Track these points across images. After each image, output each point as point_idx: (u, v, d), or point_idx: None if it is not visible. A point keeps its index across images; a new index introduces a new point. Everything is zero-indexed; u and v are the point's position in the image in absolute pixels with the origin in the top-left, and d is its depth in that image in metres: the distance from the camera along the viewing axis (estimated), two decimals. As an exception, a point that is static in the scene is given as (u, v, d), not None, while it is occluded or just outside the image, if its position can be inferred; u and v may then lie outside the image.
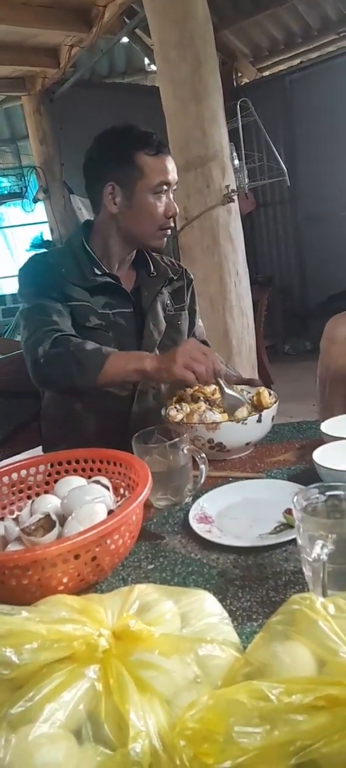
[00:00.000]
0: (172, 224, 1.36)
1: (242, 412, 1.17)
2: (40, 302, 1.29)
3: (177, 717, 0.45)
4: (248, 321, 3.51)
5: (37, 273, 1.38)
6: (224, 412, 1.18)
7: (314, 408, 3.88)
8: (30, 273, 1.39)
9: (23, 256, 7.34)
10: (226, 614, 0.63)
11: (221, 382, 1.18)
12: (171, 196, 1.33)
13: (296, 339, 5.92)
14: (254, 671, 0.50)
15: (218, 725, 0.37)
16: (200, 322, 1.62)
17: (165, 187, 1.31)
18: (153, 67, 5.61)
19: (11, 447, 2.04)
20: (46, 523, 0.75)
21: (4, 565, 0.69)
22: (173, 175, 1.33)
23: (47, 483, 0.99)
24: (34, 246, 5.97)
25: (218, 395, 1.23)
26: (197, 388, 1.23)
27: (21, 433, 2.10)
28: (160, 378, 1.19)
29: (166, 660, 0.51)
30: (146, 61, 5.70)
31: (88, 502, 0.76)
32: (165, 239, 1.38)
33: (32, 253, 5.95)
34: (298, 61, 5.70)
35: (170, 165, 1.32)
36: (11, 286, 7.77)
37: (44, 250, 5.50)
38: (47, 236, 5.72)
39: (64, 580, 0.72)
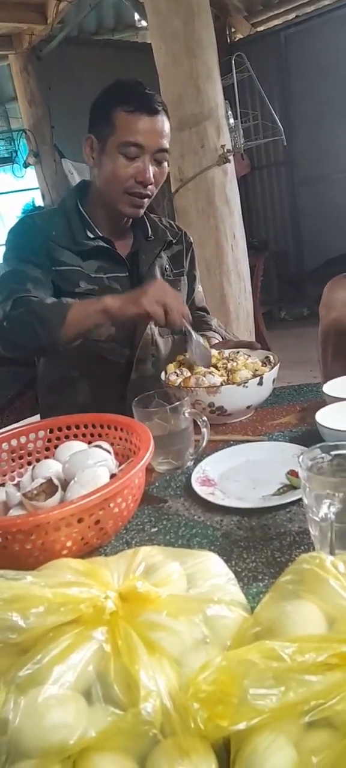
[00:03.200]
0: (143, 191, 1.26)
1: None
2: (18, 268, 1.25)
3: (188, 678, 0.44)
4: (246, 285, 3.47)
5: (22, 236, 1.33)
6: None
7: (312, 374, 3.89)
8: (15, 236, 1.35)
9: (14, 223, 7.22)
10: (232, 575, 0.63)
11: (189, 327, 1.15)
12: (147, 161, 1.23)
13: (292, 305, 5.88)
14: (263, 631, 0.50)
15: (232, 687, 0.36)
16: (199, 288, 1.59)
17: (135, 149, 1.21)
18: (144, 23, 5.43)
19: (8, 415, 2.04)
20: (48, 488, 0.75)
21: (7, 530, 0.68)
22: (150, 139, 1.22)
23: (47, 449, 0.98)
24: (25, 212, 5.86)
25: (217, 359, 1.22)
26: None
27: (17, 402, 2.09)
28: (126, 313, 1.11)
29: (175, 621, 0.50)
30: (136, 16, 5.50)
31: (91, 466, 0.75)
32: (137, 209, 1.29)
33: (24, 219, 5.77)
34: (293, 15, 5.53)
35: (150, 127, 1.21)
36: (1, 256, 7.66)
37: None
38: (39, 202, 5.61)
39: (68, 543, 0.72)
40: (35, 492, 0.73)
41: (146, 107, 1.21)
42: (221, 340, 1.48)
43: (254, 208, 6.30)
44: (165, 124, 1.25)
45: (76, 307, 1.15)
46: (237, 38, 5.88)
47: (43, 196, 5.31)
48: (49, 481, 0.74)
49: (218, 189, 2.97)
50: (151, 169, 1.24)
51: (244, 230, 3.34)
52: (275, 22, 5.70)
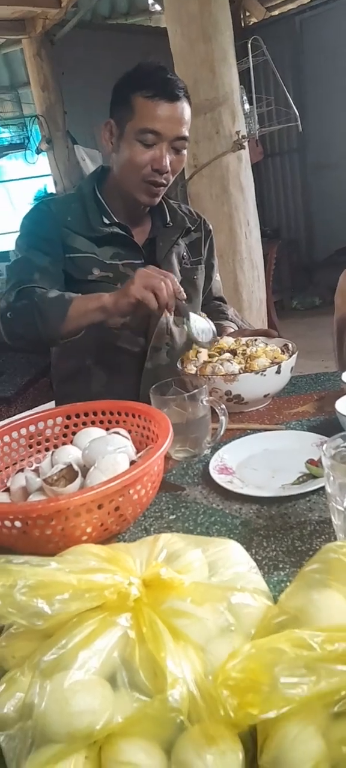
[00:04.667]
0: (159, 179, 1.23)
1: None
2: (27, 256, 1.24)
3: (214, 665, 0.44)
4: (259, 274, 3.44)
5: (35, 222, 1.32)
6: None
7: (324, 363, 3.85)
8: (29, 223, 1.34)
9: (26, 210, 7.21)
10: (253, 563, 0.62)
11: (184, 304, 1.13)
12: (164, 149, 1.20)
13: (303, 294, 5.83)
14: (289, 620, 0.49)
15: (262, 675, 0.36)
16: (217, 277, 1.57)
17: (152, 136, 1.19)
18: (157, 7, 5.37)
19: (22, 402, 2.05)
20: (68, 474, 0.74)
21: (28, 515, 0.68)
22: (169, 126, 1.19)
23: (65, 435, 0.98)
24: (37, 200, 5.85)
25: (236, 346, 1.21)
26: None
27: (31, 389, 2.10)
28: (120, 307, 1.09)
29: (199, 608, 0.50)
30: (150, 0, 5.44)
31: (111, 452, 0.75)
32: (153, 197, 1.27)
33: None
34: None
35: (170, 114, 1.19)
36: (14, 242, 7.66)
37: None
38: (51, 189, 5.60)
39: (88, 530, 0.71)
40: (55, 478, 0.73)
41: (166, 93, 1.18)
42: (236, 328, 1.47)
43: (266, 196, 6.24)
44: (185, 111, 1.22)
45: (76, 302, 1.14)
46: (251, 22, 5.80)
47: (55, 183, 5.29)
48: (69, 467, 0.74)
49: (232, 176, 2.94)
50: (169, 157, 1.22)
51: (258, 218, 3.31)
52: (290, 6, 5.60)
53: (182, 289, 1.09)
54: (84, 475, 0.75)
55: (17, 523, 0.70)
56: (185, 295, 1.12)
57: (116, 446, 0.77)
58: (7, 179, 7.87)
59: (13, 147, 6.31)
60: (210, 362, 1.17)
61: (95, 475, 0.72)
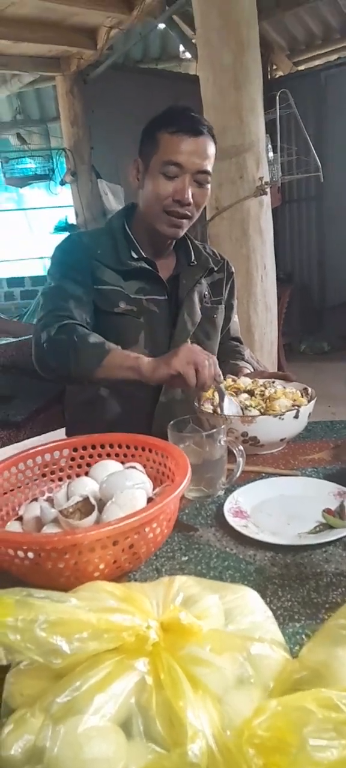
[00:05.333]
0: (181, 210, 1.25)
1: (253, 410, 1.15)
2: (62, 284, 1.27)
3: (234, 718, 0.43)
4: (272, 317, 3.46)
5: (68, 252, 1.35)
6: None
7: (330, 409, 3.83)
8: (61, 252, 1.36)
9: (46, 239, 7.39)
10: (270, 613, 0.61)
11: (222, 387, 1.15)
12: (186, 181, 1.23)
13: (312, 338, 5.83)
14: (310, 676, 0.48)
15: (289, 735, 0.35)
16: (235, 318, 1.58)
17: (175, 168, 1.22)
18: (188, 55, 5.54)
19: (32, 428, 2.04)
20: (84, 507, 0.74)
21: (42, 546, 0.67)
22: (191, 159, 1.21)
23: (79, 466, 0.97)
24: (58, 229, 5.97)
25: (254, 387, 1.20)
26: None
27: (42, 414, 2.10)
28: (157, 375, 1.10)
29: (218, 657, 0.48)
30: (181, 48, 5.62)
31: (129, 487, 0.74)
32: (176, 228, 1.29)
33: (57, 236, 5.93)
34: (335, 56, 5.58)
35: (192, 148, 1.21)
36: (31, 269, 7.80)
37: (67, 233, 5.53)
38: (72, 219, 5.71)
39: (101, 566, 0.70)
40: (71, 510, 0.72)
41: (189, 128, 1.22)
42: (252, 370, 1.47)
43: (281, 240, 6.30)
44: (208, 146, 1.25)
45: (114, 354, 1.15)
46: (278, 75, 5.95)
47: (77, 214, 5.40)
48: (86, 499, 0.74)
49: (252, 219, 2.97)
50: (191, 190, 1.24)
51: (274, 262, 3.34)
52: (317, 62, 5.75)
53: (221, 372, 1.11)
54: (100, 509, 0.74)
55: (30, 554, 0.69)
56: (223, 379, 1.14)
57: (135, 481, 0.76)
58: (28, 207, 8.06)
59: (38, 177, 6.48)
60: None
61: (113, 510, 0.71)
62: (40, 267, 8.10)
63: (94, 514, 0.72)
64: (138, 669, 0.46)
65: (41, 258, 8.06)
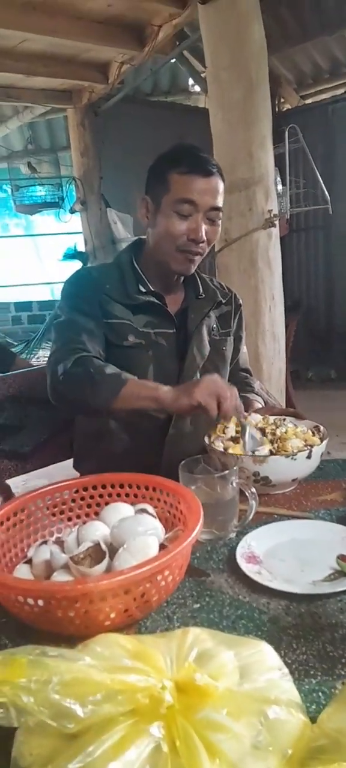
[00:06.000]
0: (195, 248, 1.27)
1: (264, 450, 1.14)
2: (73, 318, 1.28)
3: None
4: (280, 347, 3.46)
5: (77, 286, 1.37)
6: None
7: (339, 439, 3.79)
8: (71, 286, 1.38)
9: (54, 265, 7.47)
10: (286, 669, 0.59)
11: (243, 421, 1.14)
12: (199, 219, 1.24)
13: (319, 366, 5.81)
14: (330, 744, 0.46)
15: None
16: (244, 349, 1.58)
17: (189, 206, 1.23)
18: (197, 88, 5.65)
19: (39, 458, 2.03)
20: (95, 553, 0.72)
21: (53, 595, 0.66)
22: (203, 198, 1.23)
23: (89, 506, 0.96)
24: (67, 256, 6.02)
25: (264, 424, 1.19)
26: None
27: (49, 445, 2.08)
28: (178, 405, 1.11)
29: (235, 722, 0.47)
30: (190, 82, 5.74)
31: (141, 534, 0.73)
32: (189, 265, 1.30)
33: (66, 263, 5.94)
34: (342, 90, 5.67)
35: (204, 187, 1.23)
36: (39, 294, 7.89)
37: (76, 260, 5.58)
38: (81, 247, 5.77)
39: (112, 615, 0.69)
40: (82, 556, 0.71)
41: (201, 169, 1.23)
42: (263, 403, 1.46)
43: (288, 267, 6.32)
44: (219, 184, 1.26)
45: (131, 384, 1.15)
46: (285, 108, 6.04)
47: (86, 242, 5.45)
48: (97, 545, 0.72)
49: (261, 251, 3.00)
50: (204, 228, 1.25)
51: (283, 292, 3.35)
52: (324, 96, 5.84)
53: (242, 404, 1.12)
54: (111, 555, 0.73)
55: (40, 602, 0.68)
56: (245, 411, 1.14)
57: (147, 527, 0.75)
58: (37, 233, 8.17)
59: (48, 205, 6.57)
60: (238, 437, 1.16)
61: (124, 558, 0.70)
62: (47, 292, 8.19)
63: (106, 561, 0.71)
64: (153, 735, 0.44)
65: (49, 283, 8.15)
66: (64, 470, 1.83)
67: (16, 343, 6.94)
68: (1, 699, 0.44)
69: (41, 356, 6.37)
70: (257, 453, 1.10)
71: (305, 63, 5.62)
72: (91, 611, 0.68)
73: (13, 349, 6.64)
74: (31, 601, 0.68)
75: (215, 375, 1.15)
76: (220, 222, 1.31)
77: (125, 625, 0.73)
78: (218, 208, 1.27)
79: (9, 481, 1.80)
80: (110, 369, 1.18)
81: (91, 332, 1.25)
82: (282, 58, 5.44)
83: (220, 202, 1.27)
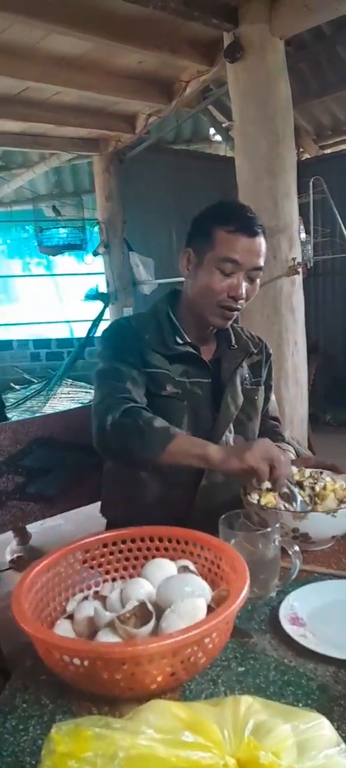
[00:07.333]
0: (234, 305, 1.28)
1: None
2: (116, 366, 1.28)
3: None
4: (302, 391, 3.46)
5: (118, 336, 1.38)
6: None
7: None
8: (112, 335, 1.39)
9: (74, 304, 7.58)
10: (343, 744, 0.57)
11: (294, 489, 1.13)
12: (241, 278, 1.25)
13: (338, 409, 5.74)
14: None
15: None
16: (273, 397, 1.58)
17: (232, 265, 1.24)
18: (218, 138, 5.79)
19: (66, 501, 2.01)
20: (140, 612, 0.71)
21: (101, 656, 0.64)
22: (247, 258, 1.24)
23: (127, 559, 0.95)
24: (88, 297, 6.12)
25: (301, 477, 1.18)
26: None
27: (75, 489, 2.07)
28: (228, 466, 1.10)
29: None
30: (211, 131, 5.89)
31: (189, 595, 0.71)
32: (226, 320, 1.32)
33: (87, 303, 6.00)
34: (361, 142, 5.78)
35: (249, 247, 1.25)
36: (57, 332, 7.99)
37: (98, 301, 5.66)
38: (102, 288, 5.86)
39: (159, 678, 0.67)
40: (127, 615, 0.70)
41: (247, 229, 1.24)
42: (295, 453, 1.45)
43: (306, 310, 6.33)
44: (262, 245, 1.28)
45: (179, 439, 1.15)
46: (304, 157, 6.15)
47: (108, 284, 5.54)
48: (143, 604, 0.71)
49: (284, 298, 3.02)
50: (245, 286, 1.26)
51: (305, 338, 3.36)
52: (342, 147, 5.94)
53: (293, 472, 1.12)
54: (157, 615, 0.71)
55: (86, 662, 0.66)
56: (295, 479, 1.14)
57: (194, 588, 0.73)
58: (59, 273, 8.34)
59: (70, 247, 6.72)
60: (274, 490, 1.14)
61: (172, 620, 0.68)
62: (66, 330, 8.31)
63: (152, 621, 0.69)
64: None
65: (68, 321, 8.27)
66: (89, 516, 1.82)
67: (34, 380, 7.02)
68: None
69: (59, 393, 6.43)
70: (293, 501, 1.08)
71: (324, 115, 5.74)
72: (137, 673, 0.66)
73: (31, 387, 6.72)
74: (77, 661, 0.66)
75: (267, 439, 1.13)
76: (259, 280, 1.32)
77: (170, 688, 0.71)
78: (259, 268, 1.28)
79: (37, 525, 1.79)
80: (159, 422, 1.17)
81: (135, 381, 1.26)
82: (301, 111, 5.57)
83: (262, 262, 1.29)
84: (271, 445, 1.10)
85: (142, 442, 1.15)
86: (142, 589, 0.76)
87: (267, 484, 1.19)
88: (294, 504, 1.11)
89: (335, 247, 4.15)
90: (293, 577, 0.92)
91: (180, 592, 0.72)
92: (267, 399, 1.54)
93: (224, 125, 5.41)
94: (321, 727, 0.59)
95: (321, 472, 1.23)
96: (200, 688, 0.74)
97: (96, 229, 5.61)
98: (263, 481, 1.06)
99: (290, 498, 1.13)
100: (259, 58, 2.79)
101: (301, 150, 6.11)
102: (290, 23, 2.79)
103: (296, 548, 0.92)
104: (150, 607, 0.70)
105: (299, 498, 1.12)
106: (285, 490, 1.12)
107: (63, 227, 6.55)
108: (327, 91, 5.16)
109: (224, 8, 2.72)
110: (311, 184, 3.18)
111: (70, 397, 6.22)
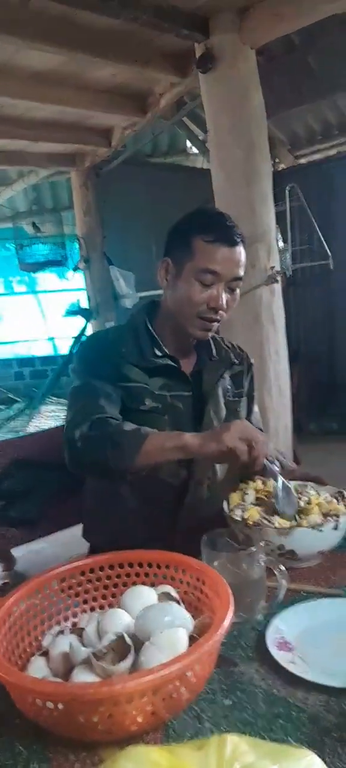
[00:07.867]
0: (215, 317, 1.25)
1: (290, 508, 1.09)
2: (90, 382, 1.24)
3: None
4: (286, 400, 3.45)
5: (93, 350, 1.34)
6: (275, 506, 1.09)
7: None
8: (87, 350, 1.35)
9: (57, 320, 7.51)
10: (337, 786, 0.53)
11: (274, 468, 1.10)
12: (221, 289, 1.22)
13: (321, 418, 5.74)
14: None
15: None
16: (256, 408, 1.55)
17: (212, 276, 1.21)
18: (194, 150, 5.82)
19: (48, 523, 1.96)
20: (118, 646, 0.66)
21: (75, 698, 0.60)
22: (228, 268, 1.21)
23: (106, 587, 0.90)
24: (69, 312, 6.07)
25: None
26: (259, 488, 1.15)
27: (57, 509, 2.01)
28: (206, 450, 1.07)
29: None
30: (188, 143, 5.91)
31: (169, 625, 0.67)
32: (206, 332, 1.28)
33: (68, 319, 5.96)
34: (335, 151, 5.83)
35: (229, 257, 1.21)
36: (41, 349, 7.91)
37: (79, 316, 5.61)
38: (84, 303, 5.81)
39: (139, 718, 0.62)
40: (104, 651, 0.65)
41: (226, 238, 1.21)
42: (279, 466, 1.42)
43: (286, 317, 6.34)
44: (242, 254, 1.25)
45: (152, 438, 1.11)
46: (280, 168, 6.20)
47: (89, 298, 5.50)
48: (121, 638, 0.66)
49: (264, 307, 3.01)
50: (225, 296, 1.23)
51: (286, 347, 3.36)
52: (317, 156, 6.00)
53: (273, 451, 1.08)
54: (135, 647, 0.67)
55: (60, 705, 0.61)
56: (276, 459, 1.12)
57: (174, 617, 0.69)
58: (41, 290, 8.27)
59: (51, 263, 6.66)
60: (258, 506, 1.11)
61: (152, 653, 0.63)
62: (50, 348, 8.23)
63: (131, 656, 0.64)
64: None
65: (51, 338, 8.20)
66: (73, 538, 1.76)
67: (18, 399, 6.92)
68: None
69: (43, 412, 6.34)
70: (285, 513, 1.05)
71: (298, 125, 5.80)
72: (116, 714, 0.61)
73: (15, 406, 6.62)
74: (50, 704, 0.62)
75: (244, 420, 1.11)
76: (239, 290, 1.29)
77: (151, 728, 0.67)
78: (240, 278, 1.26)
79: (18, 549, 1.74)
80: (128, 426, 1.14)
81: (109, 396, 1.22)
82: (276, 121, 5.61)
83: (242, 272, 1.26)
84: (248, 425, 1.07)
85: (115, 450, 1.10)
86: (120, 620, 0.72)
87: (251, 499, 1.16)
88: (277, 486, 1.08)
89: (314, 256, 4.17)
90: (280, 597, 0.88)
91: (159, 622, 0.68)
92: (250, 410, 1.50)
93: (200, 138, 5.43)
94: (311, 764, 0.56)
95: (306, 485, 1.20)
96: (184, 726, 0.69)
97: (76, 244, 5.57)
98: (242, 461, 1.02)
99: (270, 476, 1.11)
100: (231, 68, 2.79)
101: (276, 160, 6.15)
102: (261, 32, 2.80)
103: (282, 567, 0.88)
104: (128, 640, 0.66)
105: (281, 479, 1.09)
106: (266, 464, 1.10)
107: (43, 244, 6.50)
108: (301, 101, 5.21)
109: (194, 19, 2.71)
110: (287, 191, 3.19)
111: (55, 415, 6.13)
